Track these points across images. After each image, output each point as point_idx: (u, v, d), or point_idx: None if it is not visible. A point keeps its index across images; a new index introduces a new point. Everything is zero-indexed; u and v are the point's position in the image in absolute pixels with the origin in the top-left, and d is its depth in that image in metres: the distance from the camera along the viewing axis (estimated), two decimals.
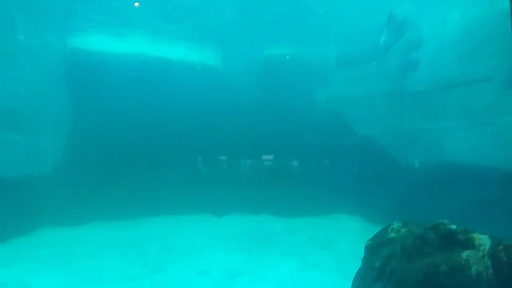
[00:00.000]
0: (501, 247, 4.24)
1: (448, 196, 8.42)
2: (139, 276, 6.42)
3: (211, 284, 6.03)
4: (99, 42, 12.41)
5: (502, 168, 7.65)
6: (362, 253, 4.96)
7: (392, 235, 4.67)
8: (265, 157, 13.65)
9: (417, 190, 9.81)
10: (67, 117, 11.68)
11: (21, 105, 10.53)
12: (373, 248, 4.72)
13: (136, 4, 12.41)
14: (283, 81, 13.42)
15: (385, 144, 11.27)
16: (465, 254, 4.01)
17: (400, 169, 10.69)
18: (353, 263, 5.35)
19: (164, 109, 12.46)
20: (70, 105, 11.73)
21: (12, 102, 10.33)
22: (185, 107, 12.60)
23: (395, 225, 4.86)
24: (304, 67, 13.55)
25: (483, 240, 4.33)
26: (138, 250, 7.93)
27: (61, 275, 6.46)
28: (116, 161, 11.72)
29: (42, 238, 9.06)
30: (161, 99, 12.53)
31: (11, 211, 9.14)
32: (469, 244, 4.29)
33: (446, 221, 4.55)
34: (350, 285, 4.85)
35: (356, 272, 4.87)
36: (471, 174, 8.23)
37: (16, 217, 9.21)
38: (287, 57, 13.85)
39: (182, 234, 9.21)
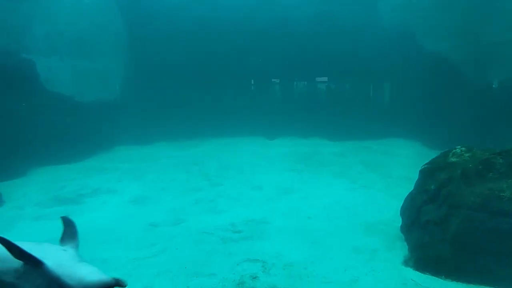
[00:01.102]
0: None
1: None
2: (201, 188, 7.22)
3: (264, 198, 6.57)
4: None
5: None
6: (415, 177, 4.87)
7: (453, 159, 4.44)
8: (319, 79, 13.07)
9: (489, 115, 8.84)
10: (127, 44, 12.15)
11: (88, 35, 11.14)
12: (429, 172, 4.59)
13: None
14: None
15: (456, 60, 9.84)
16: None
17: (472, 89, 9.51)
18: (405, 186, 5.34)
19: (217, 31, 12.17)
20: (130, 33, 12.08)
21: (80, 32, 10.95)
22: (238, 28, 12.13)
23: (458, 149, 4.57)
24: None
25: None
26: (199, 167, 8.79)
27: (138, 184, 7.57)
28: (178, 86, 12.30)
29: (120, 155, 10.45)
30: (214, 21, 12.17)
31: (94, 131, 10.52)
32: None
33: None
34: (400, 206, 4.92)
35: (408, 194, 4.87)
36: None
37: (98, 136, 10.63)
38: None
39: (237, 154, 9.83)
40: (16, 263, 1.96)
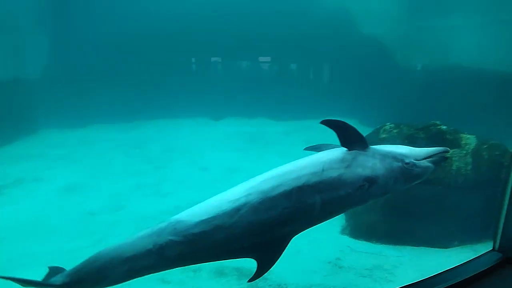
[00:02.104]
0: (485, 146, 4.47)
1: (447, 100, 8.45)
2: (143, 172, 6.90)
3: (210, 179, 6.53)
4: None
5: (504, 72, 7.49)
6: None
7: (383, 135, 4.85)
8: (262, 59, 13.12)
9: (415, 94, 9.78)
10: (53, 16, 10.69)
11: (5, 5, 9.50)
12: None
13: None
14: None
15: (388, 44, 10.66)
16: (450, 152, 4.24)
17: (400, 71, 10.41)
18: None
19: (156, 4, 11.35)
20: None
21: None
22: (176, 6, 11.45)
23: (387, 126, 4.99)
24: None
25: (470, 140, 4.53)
26: (140, 150, 8.35)
27: (71, 172, 6.93)
28: (114, 64, 11.27)
29: (48, 139, 9.40)
30: None
31: (14, 113, 9.22)
32: (455, 143, 4.50)
33: (437, 122, 4.67)
34: None
35: None
36: (474, 77, 8.08)
37: (20, 118, 9.36)
38: None
39: (182, 136, 9.53)
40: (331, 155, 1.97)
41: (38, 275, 3.73)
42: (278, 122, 11.54)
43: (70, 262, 3.86)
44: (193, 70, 13.05)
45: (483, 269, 1.71)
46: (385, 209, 4.18)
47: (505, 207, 1.82)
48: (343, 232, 4.49)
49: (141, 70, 11.76)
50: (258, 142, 9.11)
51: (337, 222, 4.69)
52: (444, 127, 4.59)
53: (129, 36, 11.24)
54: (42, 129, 9.97)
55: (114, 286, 2.08)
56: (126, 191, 5.94)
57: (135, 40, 11.37)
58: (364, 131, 5.99)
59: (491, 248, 1.89)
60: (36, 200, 5.71)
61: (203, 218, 1.94)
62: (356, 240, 4.26)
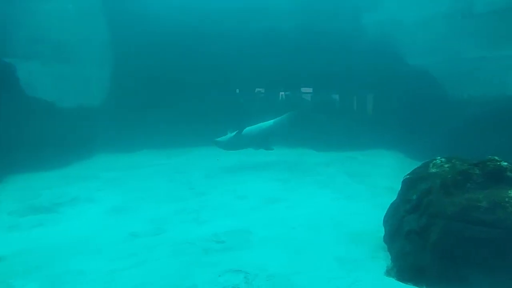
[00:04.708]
0: None
1: (504, 135, 7.75)
2: (184, 198, 7.09)
3: (248, 208, 6.50)
4: None
5: None
6: (398, 187, 4.93)
7: (434, 170, 4.52)
8: (304, 90, 13.26)
9: (468, 127, 9.12)
10: (111, 50, 11.97)
11: (71, 39, 10.92)
12: (411, 182, 4.65)
13: None
14: (324, 4, 12.23)
15: (437, 74, 10.22)
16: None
17: (452, 102, 9.84)
18: (388, 196, 5.38)
19: (203, 40, 12.19)
20: (114, 39, 11.92)
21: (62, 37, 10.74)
22: (224, 38, 12.19)
23: (438, 160, 4.66)
24: None
25: None
26: (182, 176, 8.65)
27: (119, 193, 7.36)
28: (163, 94, 12.12)
29: (101, 163, 10.17)
30: (201, 30, 12.19)
31: (74, 138, 10.19)
32: None
33: (496, 158, 4.26)
34: (383, 216, 4.95)
35: (391, 204, 4.91)
36: None
37: (78, 143, 10.30)
38: None
39: (222, 164, 9.75)
40: None
41: None
42: (319, 153, 11.35)
43: (112, 282, 4.00)
44: (237, 99, 13.52)
45: None
46: (436, 252, 3.80)
47: None
48: (388, 273, 4.12)
49: (186, 100, 12.46)
50: (298, 172, 8.99)
51: (381, 262, 4.35)
52: (505, 163, 4.16)
53: (173, 70, 12.09)
54: (98, 153, 10.86)
55: None
56: (167, 216, 6.12)
57: (179, 72, 12.18)
58: (411, 164, 5.68)
59: None
60: (87, 218, 6.10)
61: None
62: (404, 285, 3.87)
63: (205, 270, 4.21)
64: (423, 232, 3.96)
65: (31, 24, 10.54)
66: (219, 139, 9.17)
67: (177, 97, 12.36)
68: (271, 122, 9.83)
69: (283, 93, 13.51)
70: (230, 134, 9.21)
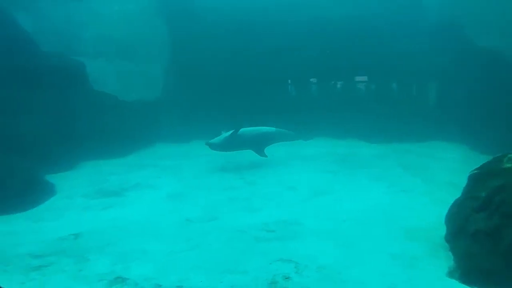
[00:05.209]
0: None
1: None
2: (236, 187, 7.32)
3: (298, 199, 6.50)
4: None
5: None
6: (461, 182, 4.54)
7: (509, 165, 4.07)
8: (358, 78, 12.65)
9: None
10: (169, 47, 12.61)
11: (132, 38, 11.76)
12: (480, 178, 4.25)
13: None
14: None
15: (509, 59, 9.02)
16: None
17: None
18: (448, 192, 5.01)
19: (256, 32, 12.22)
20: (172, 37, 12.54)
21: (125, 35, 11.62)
22: (275, 28, 12.10)
23: None
24: None
25: None
26: (234, 166, 8.91)
27: (175, 181, 7.84)
28: (215, 87, 12.49)
29: (159, 152, 10.88)
30: (252, 23, 12.25)
31: (136, 129, 11.03)
32: None
33: None
34: (444, 213, 4.61)
35: (455, 201, 4.55)
36: None
37: (140, 133, 11.13)
38: None
39: (272, 154, 9.81)
40: None
41: (149, 269, 4.27)
42: (371, 145, 10.85)
43: (171, 263, 4.32)
44: (287, 89, 13.40)
45: None
46: (510, 255, 3.45)
47: None
48: (451, 275, 3.85)
49: (238, 92, 12.66)
50: (349, 164, 8.71)
51: (443, 262, 4.07)
52: None
53: (225, 63, 12.31)
54: (156, 143, 11.64)
55: None
56: (219, 203, 6.38)
57: (231, 65, 12.37)
58: (478, 159, 5.17)
59: None
60: (148, 203, 6.61)
61: None
62: (469, 287, 3.60)
63: (256, 257, 4.33)
64: (494, 233, 3.61)
65: (97, 24, 11.52)
66: (211, 141, 8.63)
67: (227, 91, 12.61)
68: (273, 128, 9.29)
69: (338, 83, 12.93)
70: (225, 134, 8.64)
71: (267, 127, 9.35)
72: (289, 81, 13.23)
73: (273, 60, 12.36)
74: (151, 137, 11.58)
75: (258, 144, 8.97)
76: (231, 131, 8.59)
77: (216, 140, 8.69)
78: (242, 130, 8.65)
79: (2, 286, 3.74)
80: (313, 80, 13.10)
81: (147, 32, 12.11)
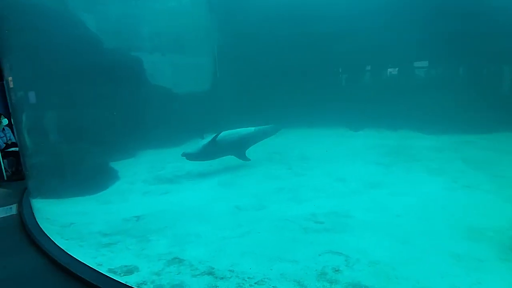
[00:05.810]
0: None
1: None
2: (283, 177, 7.39)
3: (347, 191, 6.38)
4: None
5: None
6: None
7: None
8: (415, 64, 11.79)
9: None
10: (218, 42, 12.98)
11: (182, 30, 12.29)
12: None
13: None
14: None
15: None
16: None
17: None
18: None
19: (306, 22, 12.00)
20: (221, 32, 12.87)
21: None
22: (327, 17, 11.76)
23: None
24: None
25: None
26: (280, 156, 8.98)
27: (225, 170, 8.20)
28: (261, 78, 12.58)
29: None
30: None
31: (186, 120, 11.59)
32: None
33: None
34: None
35: None
36: None
37: (190, 125, 11.68)
38: None
39: (319, 145, 9.70)
40: None
41: (202, 252, 4.55)
42: (428, 136, 10.14)
43: (222, 247, 4.56)
44: (336, 78, 13.03)
45: None
46: None
47: None
48: None
49: (282, 82, 12.58)
50: (402, 157, 8.27)
51: (510, 264, 3.74)
52: None
53: (273, 55, 12.25)
54: (207, 133, 12.11)
55: None
56: (268, 192, 6.51)
57: (280, 56, 12.29)
58: None
59: None
60: (200, 190, 7.00)
61: None
62: None
63: (305, 247, 4.37)
64: None
65: (152, 20, 12.20)
66: (188, 151, 7.73)
67: (273, 81, 12.60)
68: (251, 129, 8.47)
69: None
70: (202, 142, 7.80)
71: (245, 128, 8.59)
72: (339, 69, 12.82)
73: (319, 50, 12.04)
74: (202, 127, 12.07)
75: (239, 148, 8.23)
76: (209, 138, 7.86)
77: (193, 149, 7.83)
78: (220, 135, 7.91)
79: (78, 258, 4.29)
80: (364, 67, 12.53)
81: (198, 25, 12.54)
